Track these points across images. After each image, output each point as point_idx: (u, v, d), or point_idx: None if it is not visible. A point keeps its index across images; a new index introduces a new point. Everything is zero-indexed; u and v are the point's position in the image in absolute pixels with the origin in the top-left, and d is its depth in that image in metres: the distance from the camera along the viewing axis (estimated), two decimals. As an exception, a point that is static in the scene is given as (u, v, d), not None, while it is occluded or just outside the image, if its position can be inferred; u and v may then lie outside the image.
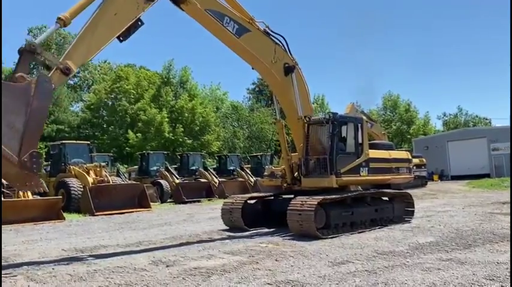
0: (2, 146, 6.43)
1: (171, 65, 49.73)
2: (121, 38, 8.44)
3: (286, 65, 11.23)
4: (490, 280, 5.94)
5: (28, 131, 6.69)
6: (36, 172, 6.90)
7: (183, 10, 9.42)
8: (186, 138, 44.43)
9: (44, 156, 22.74)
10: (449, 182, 38.18)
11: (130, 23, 8.37)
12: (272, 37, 11.09)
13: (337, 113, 11.40)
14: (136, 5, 8.41)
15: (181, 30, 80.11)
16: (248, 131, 53.94)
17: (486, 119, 69.45)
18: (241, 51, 10.61)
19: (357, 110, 24.84)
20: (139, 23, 8.56)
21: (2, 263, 8.19)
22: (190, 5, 9.36)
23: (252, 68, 11.28)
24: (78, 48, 7.74)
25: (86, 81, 50.33)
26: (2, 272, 7.12)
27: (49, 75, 7.37)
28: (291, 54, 11.39)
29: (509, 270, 6.32)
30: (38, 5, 78.96)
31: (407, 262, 7.19)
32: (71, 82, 55.22)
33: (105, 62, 59.01)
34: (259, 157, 33.81)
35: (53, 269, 7.38)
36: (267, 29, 11.00)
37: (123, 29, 8.32)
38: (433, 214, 13.98)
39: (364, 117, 13.53)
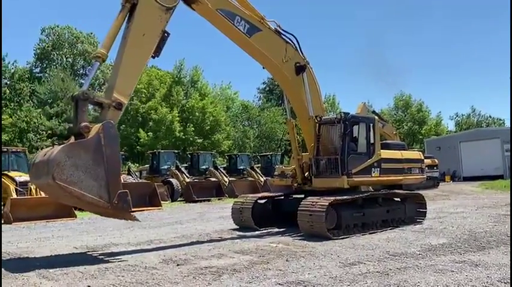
0: (96, 198, 7.32)
1: (182, 65, 49.95)
2: (153, 55, 8.65)
3: (298, 64, 11.18)
4: (505, 283, 5.84)
5: (110, 177, 7.47)
6: (127, 209, 7.75)
7: (194, 10, 9.46)
8: (196, 137, 44.56)
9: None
10: (462, 183, 37.72)
11: (159, 37, 8.56)
12: (283, 36, 11.05)
13: (348, 113, 11.33)
14: (159, 18, 8.54)
15: (192, 30, 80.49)
16: (258, 130, 53.90)
17: (500, 120, 68.50)
18: (252, 50, 10.59)
19: (369, 110, 24.63)
20: (166, 34, 8.73)
21: (15, 260, 8.29)
22: (201, 5, 9.37)
23: (263, 68, 11.26)
24: (121, 80, 8.06)
25: (98, 80, 50.77)
26: (15, 270, 7.20)
27: (105, 114, 7.81)
28: (302, 53, 11.33)
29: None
30: (51, 5, 79.85)
31: (420, 263, 7.10)
32: (83, 81, 55.65)
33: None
34: (269, 156, 33.79)
35: (64, 266, 7.43)
36: (278, 28, 10.96)
37: (155, 46, 8.54)
38: (446, 215, 13.82)
39: (376, 117, 13.41)
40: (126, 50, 8.13)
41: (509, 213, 13.86)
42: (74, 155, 7.18)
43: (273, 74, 11.84)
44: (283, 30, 11.04)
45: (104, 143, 7.41)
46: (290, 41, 11.13)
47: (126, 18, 8.31)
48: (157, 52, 8.66)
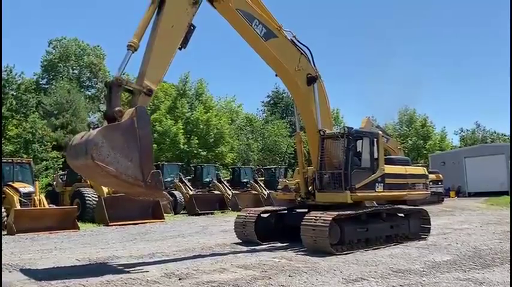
0: (132, 177, 7.68)
1: (187, 78, 50.25)
2: (180, 47, 9.05)
3: (309, 75, 11.36)
4: (510, 302, 5.77)
5: (143, 158, 7.86)
6: (160, 188, 8.24)
7: (215, 8, 9.81)
8: (200, 149, 44.60)
9: (61, 165, 22.96)
10: (467, 199, 37.46)
11: (186, 30, 9.03)
12: (298, 47, 11.28)
13: (352, 128, 11.35)
14: (186, 12, 8.99)
15: (198, 43, 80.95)
16: (262, 143, 53.90)
17: (505, 136, 68.16)
18: (267, 54, 10.84)
19: (373, 125, 24.64)
20: (192, 27, 9.19)
21: (17, 272, 8.28)
22: (223, 3, 9.71)
23: (276, 75, 11.45)
24: (151, 68, 8.44)
25: (104, 93, 51.11)
26: (17, 281, 7.19)
27: (136, 99, 8.19)
28: (315, 66, 11.56)
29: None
30: (58, 17, 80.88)
31: (424, 280, 7.04)
32: (89, 93, 56.14)
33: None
34: (273, 169, 33.72)
35: (66, 278, 7.40)
36: (293, 38, 11.24)
37: (183, 38, 8.99)
38: (450, 232, 13.72)
39: (380, 132, 13.40)
40: (156, 40, 8.53)
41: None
42: (110, 137, 7.56)
43: (285, 81, 11.92)
44: (298, 41, 11.31)
45: (137, 126, 7.79)
46: (304, 53, 11.36)
47: (156, 10, 8.69)
48: (184, 43, 9.09)
